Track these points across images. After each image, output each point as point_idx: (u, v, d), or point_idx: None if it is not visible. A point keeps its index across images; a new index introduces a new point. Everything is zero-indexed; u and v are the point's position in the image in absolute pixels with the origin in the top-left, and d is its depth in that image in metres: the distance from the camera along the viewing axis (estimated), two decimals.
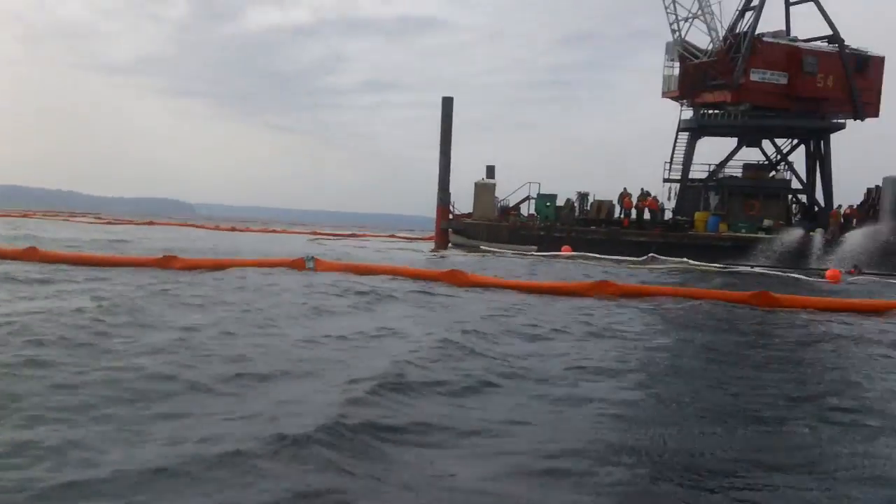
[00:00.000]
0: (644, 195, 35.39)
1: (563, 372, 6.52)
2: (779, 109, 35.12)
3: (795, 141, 37.43)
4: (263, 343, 7.03)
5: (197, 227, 51.82)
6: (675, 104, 37.37)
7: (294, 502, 3.34)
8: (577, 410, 5.24)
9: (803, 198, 37.35)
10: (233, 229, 51.10)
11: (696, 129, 36.48)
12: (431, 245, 36.32)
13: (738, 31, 34.97)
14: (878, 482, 4.01)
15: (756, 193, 35.20)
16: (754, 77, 34.32)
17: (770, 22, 36.30)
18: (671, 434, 4.75)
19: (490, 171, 37.34)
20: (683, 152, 36.71)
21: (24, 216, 54.05)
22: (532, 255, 29.91)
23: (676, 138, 36.84)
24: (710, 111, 36.37)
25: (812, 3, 35.59)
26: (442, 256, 27.11)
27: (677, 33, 33.95)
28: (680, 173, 36.56)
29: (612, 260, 27.98)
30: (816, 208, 36.36)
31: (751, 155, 37.70)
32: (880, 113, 36.08)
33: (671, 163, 36.66)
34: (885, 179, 32.66)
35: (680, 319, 10.98)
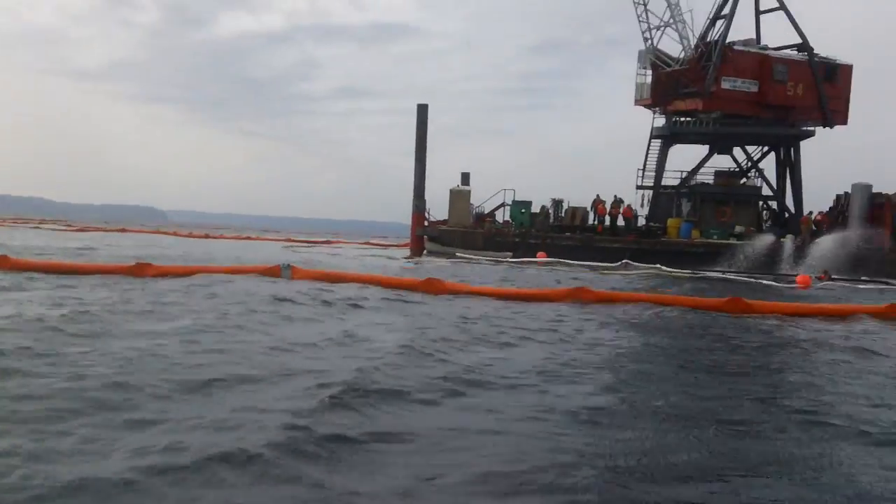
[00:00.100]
0: (617, 202, 35.67)
1: (533, 379, 6.49)
2: (749, 117, 35.68)
3: (766, 148, 38.01)
4: (230, 351, 6.94)
5: (169, 234, 51.22)
6: (648, 112, 37.78)
7: None
8: (545, 417, 5.21)
9: (774, 204, 37.91)
10: (206, 236, 50.69)
11: (668, 137, 36.89)
12: (407, 252, 36.29)
13: (709, 39, 35.48)
14: (840, 483, 4.06)
15: (727, 200, 35.68)
16: (725, 85, 34.81)
17: (740, 30, 36.91)
18: (640, 440, 4.75)
19: (465, 177, 37.43)
20: (656, 159, 37.12)
21: None
22: (508, 261, 29.98)
23: (649, 145, 37.24)
24: (682, 119, 36.82)
25: (782, 12, 36.17)
26: (417, 263, 27.08)
27: (649, 41, 34.37)
28: (653, 180, 36.93)
29: (586, 266, 28.12)
30: (787, 215, 36.91)
31: (722, 162, 38.33)
32: (849, 120, 36.84)
33: (644, 170, 37.06)
34: (854, 186, 33.24)
35: (654, 326, 11.04)
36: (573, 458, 4.30)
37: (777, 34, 38.94)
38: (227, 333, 7.99)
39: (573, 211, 36.15)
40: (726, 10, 35.75)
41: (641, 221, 36.36)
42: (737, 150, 38.30)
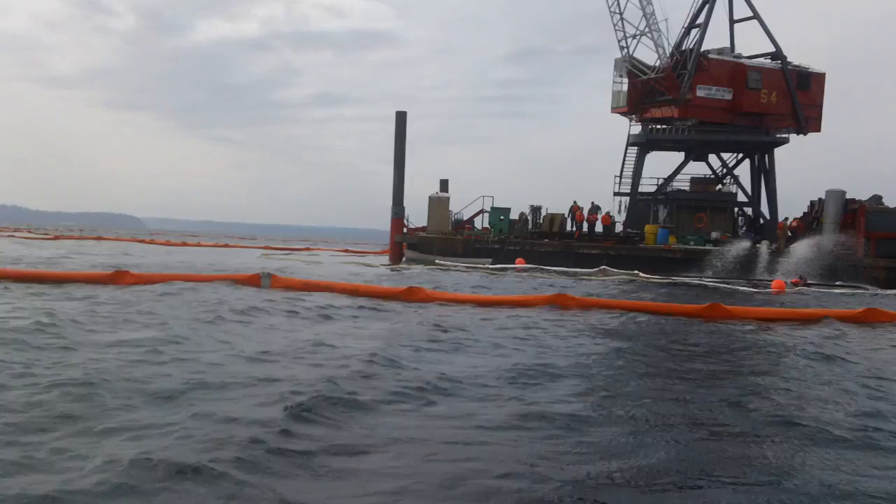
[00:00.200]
0: (594, 208, 35.87)
1: (508, 385, 6.52)
2: (724, 124, 36.05)
3: (741, 155, 38.45)
4: (198, 360, 6.90)
5: (146, 242, 50.72)
6: (625, 119, 38.08)
7: None
8: (519, 424, 5.23)
9: (749, 210, 38.30)
10: (184, 244, 50.27)
11: (644, 144, 37.18)
12: (386, 259, 36.22)
13: (684, 48, 35.86)
14: (807, 484, 4.14)
15: (704, 206, 36.01)
16: (700, 93, 35.16)
17: (715, 39, 37.36)
18: (615, 445, 4.78)
19: (444, 184, 37.46)
20: (633, 166, 37.37)
21: None
22: (487, 268, 30.06)
23: (626, 153, 37.50)
24: (658, 126, 37.11)
25: (755, 21, 36.65)
26: (397, 271, 27.05)
27: (625, 50, 34.65)
28: (630, 187, 37.18)
29: (565, 272, 28.24)
30: (762, 221, 37.32)
31: (698, 169, 38.69)
32: (822, 128, 37.30)
33: (621, 176, 37.30)
34: (828, 192, 33.63)
35: (632, 332, 11.11)
36: (546, 465, 4.34)
37: (751, 43, 39.53)
38: (198, 343, 7.96)
39: (551, 217, 36.30)
40: (701, 20, 36.19)
41: (619, 228, 36.61)
42: (712, 157, 38.71)
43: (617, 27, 34.00)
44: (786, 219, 35.83)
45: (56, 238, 50.14)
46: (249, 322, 9.93)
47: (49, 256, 24.76)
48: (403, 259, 34.78)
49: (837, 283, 27.89)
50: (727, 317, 13.04)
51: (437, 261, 31.88)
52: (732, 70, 35.75)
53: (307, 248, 52.11)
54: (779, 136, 36.92)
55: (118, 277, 14.32)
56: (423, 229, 36.70)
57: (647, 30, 33.89)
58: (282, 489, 3.77)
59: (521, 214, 36.85)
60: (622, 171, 37.36)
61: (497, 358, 8.00)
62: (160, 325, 9.01)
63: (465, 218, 37.62)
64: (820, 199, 34.44)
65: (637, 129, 37.60)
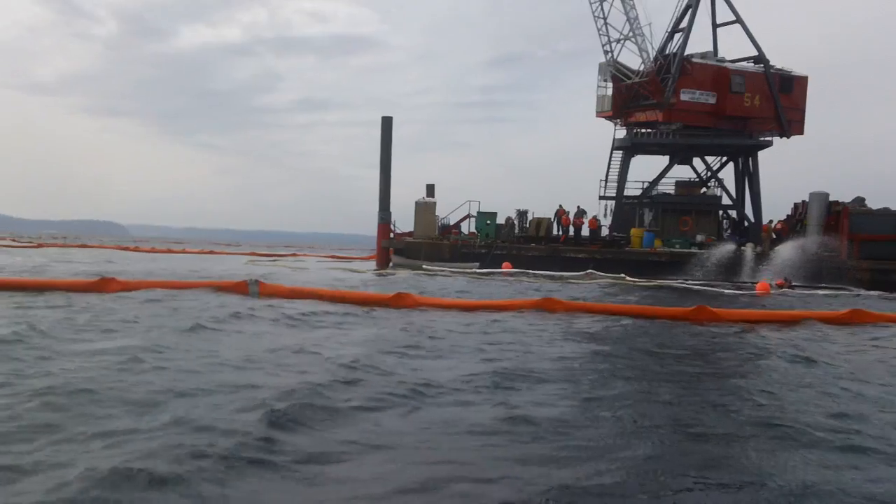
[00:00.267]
0: (580, 212, 35.98)
1: (493, 389, 6.50)
2: (708, 128, 36.28)
3: (725, 158, 38.70)
4: (182, 367, 6.84)
5: (131, 249, 50.38)
6: (610, 123, 38.24)
7: None
8: (503, 428, 5.22)
9: (733, 213, 38.53)
10: (169, 251, 49.96)
11: (629, 148, 37.33)
12: (373, 265, 36.16)
13: (667, 52, 36.08)
14: (787, 484, 4.17)
15: (688, 210, 36.21)
16: (684, 97, 35.38)
17: (698, 43, 37.56)
18: (599, 448, 4.78)
19: (430, 189, 37.48)
20: (618, 170, 37.50)
21: None
22: (475, 272, 30.08)
23: (611, 157, 37.61)
24: (643, 130, 37.29)
25: (738, 25, 36.93)
26: (384, 276, 26.99)
27: (609, 54, 34.80)
28: (615, 191, 37.32)
29: (551, 276, 28.29)
30: (746, 223, 37.55)
31: (683, 172, 38.91)
32: (805, 130, 37.61)
33: (606, 180, 37.42)
34: (812, 195, 33.91)
35: (619, 335, 11.12)
36: (528, 470, 4.33)
37: (734, 47, 39.80)
38: (182, 350, 7.88)
39: (538, 221, 36.39)
40: (684, 24, 36.43)
41: (605, 232, 36.74)
42: (696, 161, 38.94)
43: (601, 32, 34.15)
44: (770, 221, 36.11)
45: (39, 246, 49.72)
46: (235, 329, 9.85)
47: (34, 265, 24.52)
48: (391, 264, 34.74)
49: (822, 284, 28.10)
50: (714, 319, 13.08)
51: (424, 266, 31.87)
52: (716, 74, 36.00)
53: (293, 255, 51.93)
54: (762, 139, 37.20)
55: (104, 285, 14.19)
56: (409, 234, 36.69)
57: (630, 34, 34.07)
58: (262, 497, 3.75)
59: (508, 219, 36.92)
60: (607, 174, 37.52)
61: (483, 362, 7.96)
62: (144, 333, 8.93)
63: (451, 223, 37.65)
64: (803, 201, 34.72)
65: (622, 133, 37.75)
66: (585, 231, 36.03)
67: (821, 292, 25.65)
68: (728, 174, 38.78)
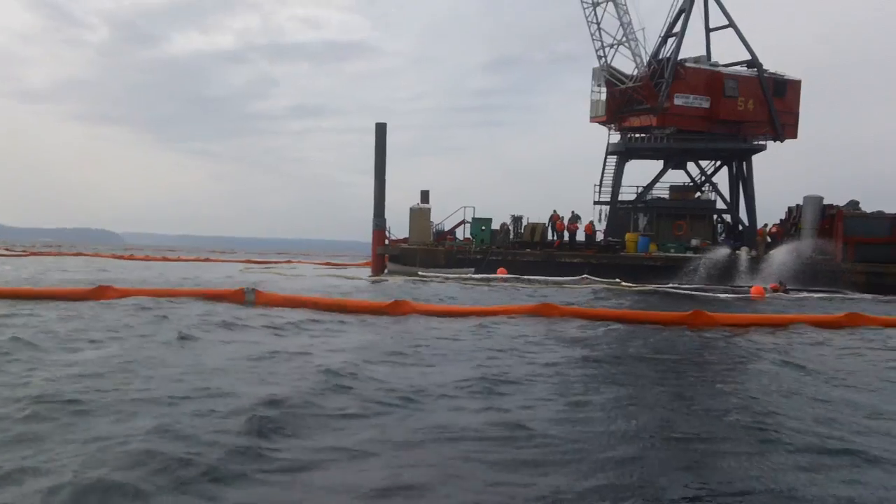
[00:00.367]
0: (574, 217, 36.01)
1: (486, 396, 6.49)
2: (702, 132, 36.38)
3: (719, 162, 38.80)
4: (170, 376, 6.80)
5: (125, 258, 50.17)
6: (604, 128, 38.33)
7: None
8: (494, 436, 5.19)
9: (728, 217, 38.62)
10: (164, 259, 49.82)
11: (623, 153, 37.42)
12: (368, 271, 36.08)
13: (661, 57, 36.20)
14: (776, 489, 4.16)
15: (683, 214, 36.28)
16: (678, 101, 35.48)
17: (691, 48, 37.71)
18: (588, 452, 4.78)
19: (424, 195, 37.43)
20: (612, 175, 37.58)
21: None
22: (471, 277, 30.08)
23: (605, 161, 37.73)
24: (637, 135, 37.38)
25: (731, 30, 37.08)
26: (377, 282, 26.95)
27: (603, 59, 34.88)
28: (610, 195, 37.38)
29: (547, 281, 28.28)
30: (740, 227, 37.64)
31: (677, 177, 39.01)
32: (798, 134, 37.72)
33: (601, 185, 37.52)
34: (806, 198, 34.02)
35: (615, 341, 11.08)
36: (516, 475, 4.32)
37: (727, 51, 39.95)
38: (174, 359, 7.85)
39: (532, 227, 36.39)
40: (677, 29, 36.57)
41: (599, 236, 36.77)
42: (691, 165, 39.05)
43: (594, 37, 34.24)
44: (765, 225, 36.20)
45: (31, 255, 49.49)
46: (230, 338, 9.79)
47: (28, 276, 24.40)
48: (386, 271, 34.68)
49: (816, 288, 28.16)
50: (710, 324, 13.08)
51: (419, 272, 31.82)
52: (709, 78, 36.12)
53: (288, 261, 51.81)
54: (756, 143, 37.32)
55: (100, 293, 14.16)
56: (404, 241, 36.65)
57: (624, 39, 34.17)
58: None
59: (503, 225, 36.92)
60: (602, 179, 37.62)
61: (477, 368, 7.93)
62: (136, 342, 8.90)
63: (446, 229, 37.63)
64: (798, 205, 34.84)
65: (616, 137, 37.84)
66: (581, 236, 36.05)
67: (816, 296, 25.70)
68: (722, 178, 38.96)
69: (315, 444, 4.85)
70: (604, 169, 37.66)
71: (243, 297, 14.45)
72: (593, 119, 38.08)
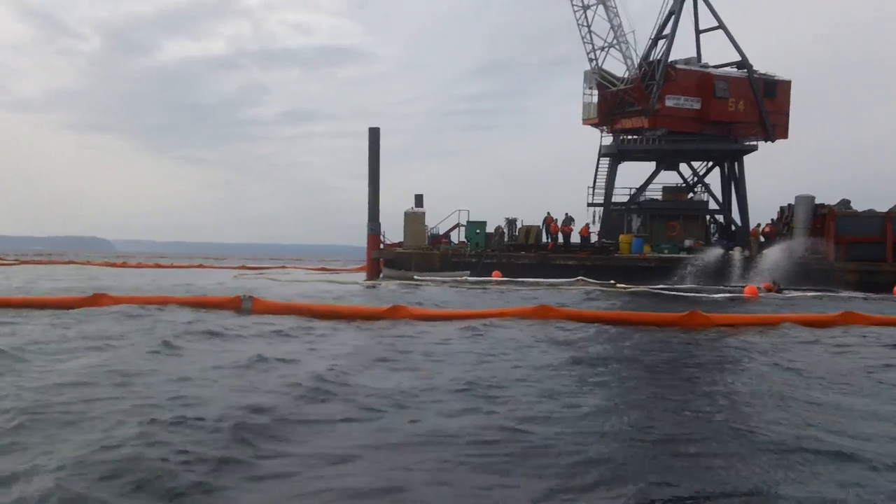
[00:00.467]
0: (568, 220, 36.09)
1: (477, 399, 6.51)
2: (694, 133, 36.51)
3: (711, 163, 38.95)
4: (156, 386, 6.80)
5: (117, 265, 49.96)
6: (596, 130, 38.43)
7: None
8: (489, 439, 5.21)
9: (720, 217, 38.76)
10: (157, 266, 49.64)
11: (616, 155, 37.52)
12: (363, 276, 36.07)
13: (651, 59, 36.30)
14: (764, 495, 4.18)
15: (676, 215, 36.41)
16: (669, 103, 35.61)
17: (681, 49, 37.86)
18: (571, 456, 4.80)
19: (418, 199, 37.48)
20: (605, 177, 37.68)
21: None
22: (466, 279, 30.14)
23: (598, 163, 37.81)
24: (629, 137, 37.50)
25: (721, 31, 37.25)
26: (373, 287, 26.93)
27: (594, 62, 34.99)
28: (603, 197, 37.47)
29: (542, 283, 28.33)
30: (733, 227, 37.78)
31: (669, 178, 39.14)
32: (789, 134, 37.90)
33: (594, 187, 37.62)
34: (798, 198, 34.17)
35: (611, 343, 11.09)
36: (509, 478, 4.35)
37: (716, 52, 40.16)
38: (162, 367, 7.83)
39: (527, 229, 36.47)
40: (667, 31, 36.71)
41: (594, 238, 36.86)
42: (683, 166, 39.22)
43: (585, 40, 34.36)
44: (758, 225, 36.35)
45: (21, 263, 49.24)
46: (224, 345, 9.77)
47: (19, 286, 24.30)
48: (381, 275, 34.68)
49: (809, 287, 28.28)
50: (706, 324, 13.13)
51: (415, 276, 31.83)
52: (700, 80, 36.27)
53: (282, 267, 51.76)
54: (747, 143, 37.47)
55: (96, 301, 14.16)
56: (399, 245, 36.66)
57: (615, 42, 34.29)
58: None
59: (498, 228, 36.98)
60: (595, 181, 37.71)
61: (470, 372, 7.96)
62: (129, 349, 8.89)
63: (441, 232, 37.66)
64: (790, 204, 34.98)
65: (608, 139, 37.96)
66: (575, 237, 36.12)
67: (809, 294, 25.81)
68: (714, 179, 39.15)
69: (304, 450, 4.86)
70: (597, 171, 37.78)
71: (240, 305, 14.40)
72: (585, 121, 38.19)
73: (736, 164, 37.97)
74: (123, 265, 49.64)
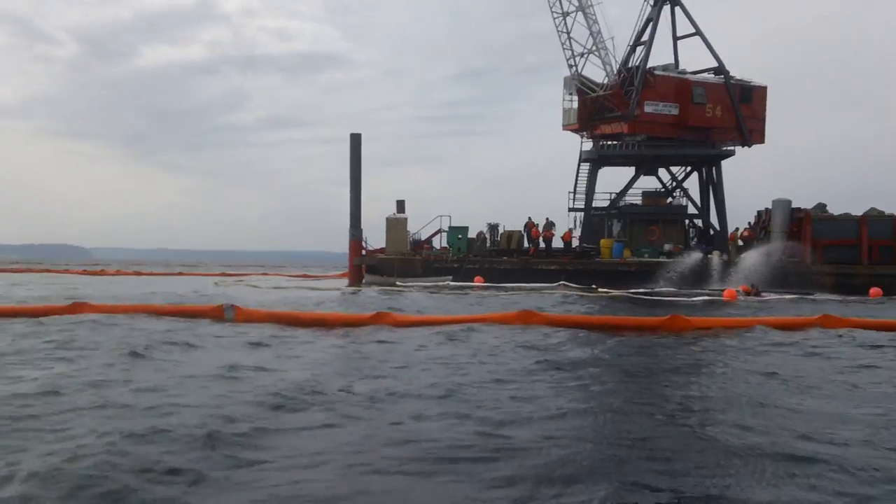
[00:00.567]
0: (549, 224, 36.27)
1: (455, 404, 6.53)
2: (672, 139, 36.88)
3: (689, 168, 39.33)
4: (139, 391, 6.80)
5: (96, 273, 49.50)
6: (576, 136, 38.68)
7: None
8: (466, 443, 5.20)
9: (699, 222, 39.12)
10: (136, 273, 49.24)
11: (596, 160, 37.81)
12: (345, 282, 36.01)
13: (630, 65, 36.64)
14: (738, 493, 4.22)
15: (656, 219, 36.72)
16: (648, 109, 35.94)
17: (659, 56, 38.23)
18: (547, 460, 4.82)
19: (400, 205, 37.49)
20: (586, 182, 37.93)
21: None
22: (448, 284, 30.19)
23: (578, 169, 38.06)
24: (609, 142, 37.78)
25: (698, 38, 37.65)
26: (355, 293, 26.89)
27: (574, 68, 35.25)
28: (584, 202, 37.70)
29: (524, 288, 28.44)
30: (712, 231, 38.15)
31: (649, 183, 39.49)
32: (766, 139, 38.39)
33: (574, 192, 37.84)
34: (775, 202, 34.56)
35: (592, 347, 11.08)
36: (480, 482, 4.36)
37: (694, 58, 40.58)
38: (138, 376, 7.78)
39: (509, 235, 36.60)
40: (645, 37, 37.10)
41: (575, 243, 37.07)
42: (662, 171, 39.59)
43: (565, 46, 34.61)
44: (736, 229, 36.72)
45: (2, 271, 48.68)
46: (200, 354, 9.68)
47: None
48: (363, 281, 34.64)
49: (787, 290, 28.60)
50: (687, 327, 13.24)
51: (397, 282, 31.83)
52: (678, 86, 36.65)
53: (264, 273, 51.53)
54: (725, 148, 37.91)
55: (75, 309, 14.04)
56: (381, 251, 36.64)
57: (594, 48, 34.57)
58: None
59: (479, 233, 37.08)
60: (576, 187, 37.95)
61: (449, 377, 7.97)
62: (104, 358, 8.81)
63: (423, 238, 37.69)
64: (767, 208, 35.36)
65: (588, 145, 38.23)
66: (558, 242, 36.33)
67: (787, 297, 26.09)
68: (693, 184, 39.54)
69: (281, 459, 4.86)
70: (577, 176, 38.04)
71: (223, 314, 14.27)
72: (566, 127, 38.43)
73: (714, 168, 38.37)
74: (101, 273, 49.20)
